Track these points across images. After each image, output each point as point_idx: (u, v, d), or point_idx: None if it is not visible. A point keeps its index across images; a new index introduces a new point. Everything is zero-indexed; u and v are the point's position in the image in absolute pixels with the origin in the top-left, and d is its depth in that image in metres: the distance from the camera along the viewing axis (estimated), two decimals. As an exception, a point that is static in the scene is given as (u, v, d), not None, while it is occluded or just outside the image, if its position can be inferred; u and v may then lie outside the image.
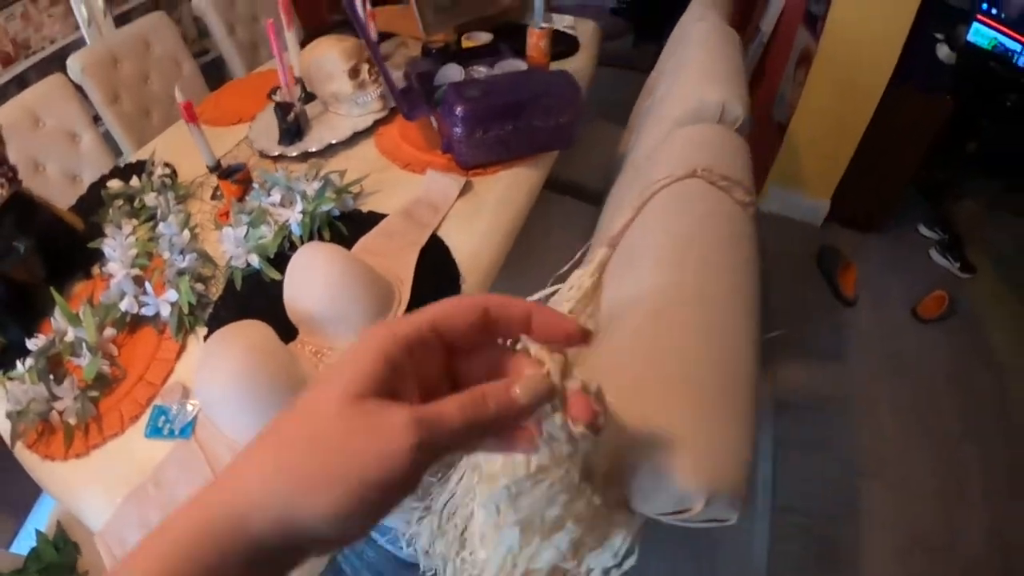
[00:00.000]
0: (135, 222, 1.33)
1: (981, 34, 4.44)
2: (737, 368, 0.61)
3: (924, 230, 3.59)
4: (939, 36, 2.94)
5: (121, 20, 2.71)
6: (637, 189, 0.93)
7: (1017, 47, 4.38)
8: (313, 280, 0.99)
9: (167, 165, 1.52)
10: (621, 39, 5.50)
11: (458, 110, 1.26)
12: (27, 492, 1.92)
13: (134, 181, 1.43)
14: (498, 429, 0.37)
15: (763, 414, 2.30)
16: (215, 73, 2.92)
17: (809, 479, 2.15)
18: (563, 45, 2.10)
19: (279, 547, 0.33)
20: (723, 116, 1.13)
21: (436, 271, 1.12)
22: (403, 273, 1.11)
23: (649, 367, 0.61)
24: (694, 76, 1.29)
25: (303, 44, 2.05)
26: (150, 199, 1.38)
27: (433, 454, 0.34)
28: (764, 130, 3.45)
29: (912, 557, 2.01)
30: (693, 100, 1.16)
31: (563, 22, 2.35)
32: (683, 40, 1.65)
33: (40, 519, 1.93)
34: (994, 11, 4.32)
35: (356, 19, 1.25)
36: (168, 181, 1.46)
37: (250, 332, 0.92)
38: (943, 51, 2.91)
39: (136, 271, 1.17)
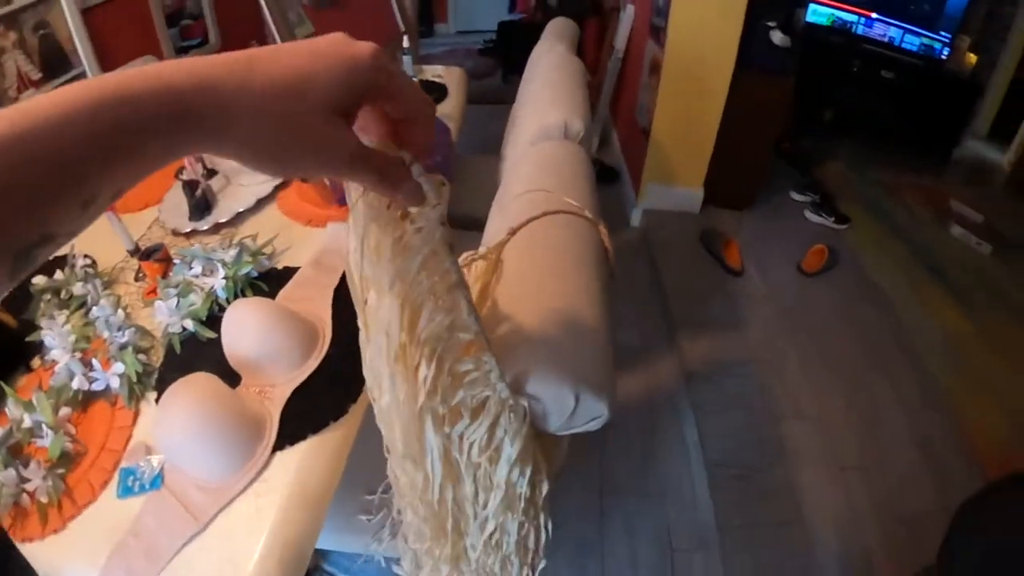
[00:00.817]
0: (67, 312, 1.42)
1: (819, 13, 4.87)
2: (589, 311, 0.82)
3: (796, 195, 3.90)
4: (771, 24, 3.21)
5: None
6: (499, 203, 1.14)
7: (854, 18, 4.83)
8: (246, 330, 1.13)
9: (86, 256, 1.60)
10: (491, 76, 5.76)
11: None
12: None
13: (58, 275, 1.51)
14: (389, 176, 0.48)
15: (678, 388, 2.52)
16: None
17: (735, 434, 2.33)
18: (434, 93, 2.30)
19: (188, 109, 0.36)
20: (566, 132, 1.35)
21: (350, 307, 1.27)
22: (323, 314, 1.27)
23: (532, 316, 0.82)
24: (541, 102, 1.51)
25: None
26: (78, 289, 1.47)
27: (356, 159, 0.44)
28: (633, 136, 3.72)
29: (846, 480, 2.19)
30: (540, 122, 1.38)
31: (432, 72, 2.54)
32: (534, 70, 1.86)
33: None
34: (828, -11, 4.72)
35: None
36: (91, 271, 1.54)
37: (200, 382, 1.04)
38: (777, 36, 3.18)
39: (78, 355, 1.25)
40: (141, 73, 0.35)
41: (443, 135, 1.56)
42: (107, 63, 3.19)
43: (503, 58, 5.68)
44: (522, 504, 0.81)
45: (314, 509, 1.00)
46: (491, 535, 0.83)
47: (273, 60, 0.39)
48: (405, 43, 2.39)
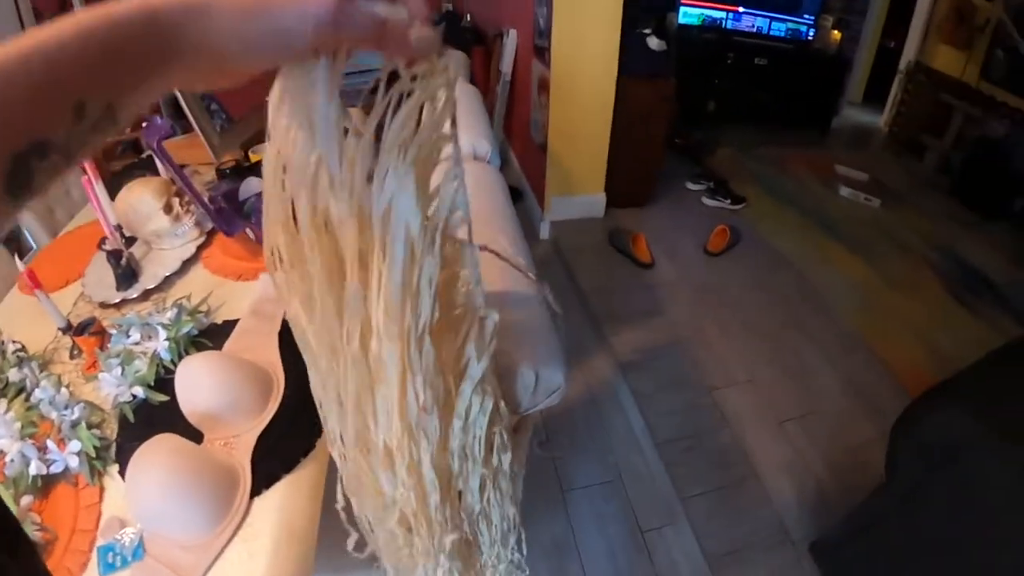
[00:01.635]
0: (5, 400, 1.38)
1: (689, 15, 5.11)
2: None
3: (692, 185, 4.12)
4: (646, 31, 3.39)
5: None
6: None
7: (722, 14, 5.10)
8: (202, 385, 1.16)
9: (15, 341, 1.56)
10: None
11: (272, 214, 1.50)
12: None
13: None
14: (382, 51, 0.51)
15: (616, 380, 2.63)
16: (12, 247, 2.92)
17: (677, 411, 2.47)
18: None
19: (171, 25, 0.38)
20: (475, 154, 1.46)
21: (296, 349, 1.32)
22: (272, 359, 1.31)
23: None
24: None
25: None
26: (13, 375, 1.44)
27: (333, 36, 0.46)
28: (530, 154, 3.86)
29: (788, 431, 2.36)
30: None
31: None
32: None
33: None
34: (695, -7, 4.96)
35: (164, 155, 1.45)
36: (23, 354, 1.51)
37: (164, 443, 1.05)
38: (653, 42, 3.36)
39: (28, 441, 1.21)
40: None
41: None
42: None
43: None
44: (481, 451, 0.85)
45: (304, 542, 1.04)
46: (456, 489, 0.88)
47: None
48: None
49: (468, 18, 5.28)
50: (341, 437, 0.83)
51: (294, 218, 0.60)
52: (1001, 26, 4.49)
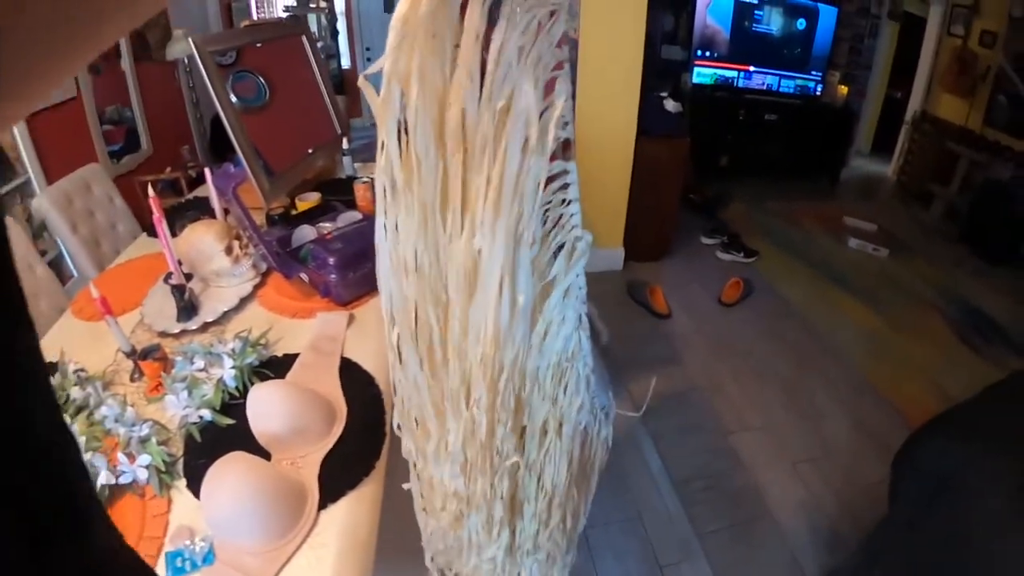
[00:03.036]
0: (67, 417, 1.45)
1: (702, 75, 5.32)
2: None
3: (706, 239, 4.26)
4: (663, 95, 3.58)
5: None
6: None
7: (733, 74, 5.29)
8: (273, 409, 1.28)
9: (75, 362, 1.62)
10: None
11: (331, 261, 1.65)
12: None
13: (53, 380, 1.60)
14: None
15: (635, 424, 2.71)
16: (56, 272, 3.04)
17: (694, 454, 2.56)
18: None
19: None
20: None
21: (356, 380, 1.47)
22: (334, 391, 1.44)
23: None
24: None
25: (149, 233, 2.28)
26: (75, 392, 1.50)
27: None
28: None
29: (802, 472, 2.44)
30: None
31: (371, 170, 2.75)
32: None
33: None
34: (708, 53, 5.16)
35: (239, 203, 1.60)
36: (84, 375, 1.58)
37: (239, 459, 1.14)
38: (670, 104, 3.54)
39: (91, 454, 1.29)
40: None
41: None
42: (49, 173, 3.28)
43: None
44: (551, 382, 0.90)
45: (365, 550, 1.16)
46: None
47: None
48: (345, 144, 2.59)
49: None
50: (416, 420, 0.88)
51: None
52: (1002, 72, 4.64)
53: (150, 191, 1.94)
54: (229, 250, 1.86)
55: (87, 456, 1.27)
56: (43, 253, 3.19)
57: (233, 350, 1.55)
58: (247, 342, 1.59)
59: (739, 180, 5.45)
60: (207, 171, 1.92)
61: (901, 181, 5.48)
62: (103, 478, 1.23)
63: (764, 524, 2.30)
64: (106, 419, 1.39)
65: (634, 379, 3.00)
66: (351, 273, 1.71)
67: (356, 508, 1.22)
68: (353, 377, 1.50)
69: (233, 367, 1.50)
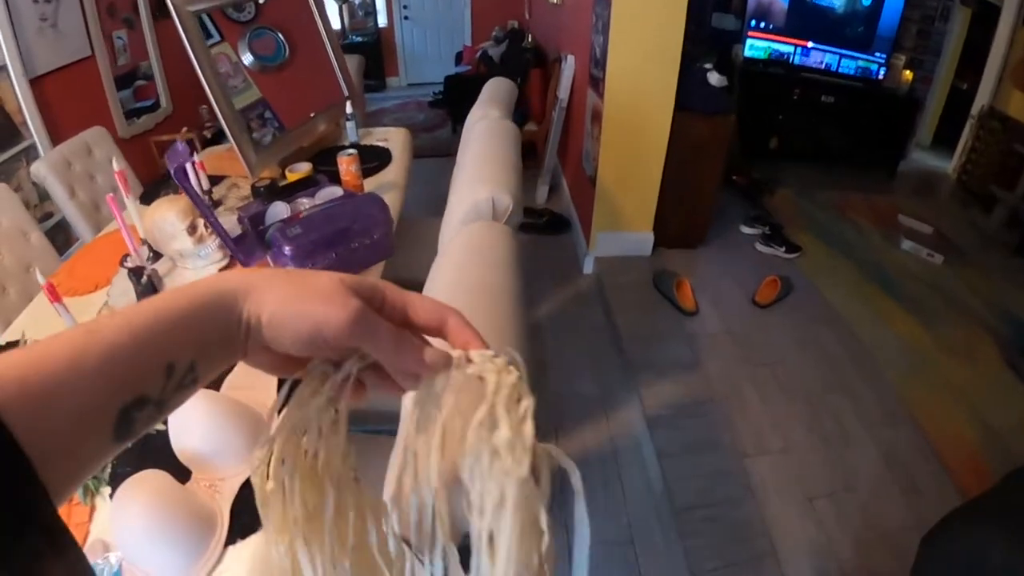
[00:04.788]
0: None
1: (756, 48, 5.01)
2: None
3: (746, 229, 3.97)
4: (707, 66, 3.30)
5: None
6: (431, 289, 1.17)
7: (790, 49, 4.98)
8: (193, 425, 1.15)
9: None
10: (441, 128, 5.86)
11: (286, 250, 1.48)
12: None
13: None
14: (398, 363, 0.51)
15: (641, 435, 2.52)
16: (60, 236, 2.99)
17: (701, 476, 2.33)
18: (376, 160, 2.34)
19: (228, 304, 0.46)
20: (495, 209, 1.39)
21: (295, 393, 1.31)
22: (268, 402, 1.28)
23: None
24: (468, 178, 1.54)
25: (143, 199, 2.18)
26: None
27: (358, 337, 0.48)
28: (581, 185, 3.80)
29: (817, 508, 2.21)
30: (469, 201, 1.41)
31: (377, 136, 2.59)
32: (467, 139, 1.90)
33: None
34: (763, 24, 4.87)
35: (187, 189, 1.45)
36: None
37: (150, 480, 1.04)
38: (714, 77, 3.27)
39: None
40: (205, 282, 0.46)
41: (380, 211, 1.59)
42: (55, 134, 3.23)
43: (451, 110, 5.79)
44: None
45: None
46: None
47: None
48: (348, 109, 2.43)
49: (530, 38, 5.28)
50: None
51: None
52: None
53: (114, 165, 1.84)
54: (193, 229, 1.71)
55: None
56: (49, 216, 3.21)
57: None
58: (191, 337, 1.44)
59: (788, 165, 5.12)
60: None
61: (962, 180, 5.11)
62: None
63: (767, 566, 2.07)
64: None
65: (648, 382, 2.78)
66: (310, 264, 1.54)
67: (267, 549, 1.06)
68: (293, 388, 1.33)
69: (170, 364, 1.35)
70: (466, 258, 1.19)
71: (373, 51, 7.35)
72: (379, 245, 1.62)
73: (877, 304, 3.31)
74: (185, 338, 0.44)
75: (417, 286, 1.19)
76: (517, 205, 1.42)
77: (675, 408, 2.65)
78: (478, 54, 6.05)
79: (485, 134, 1.78)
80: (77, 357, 0.38)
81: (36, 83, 3.22)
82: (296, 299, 0.48)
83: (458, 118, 5.55)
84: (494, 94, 2.29)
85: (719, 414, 2.61)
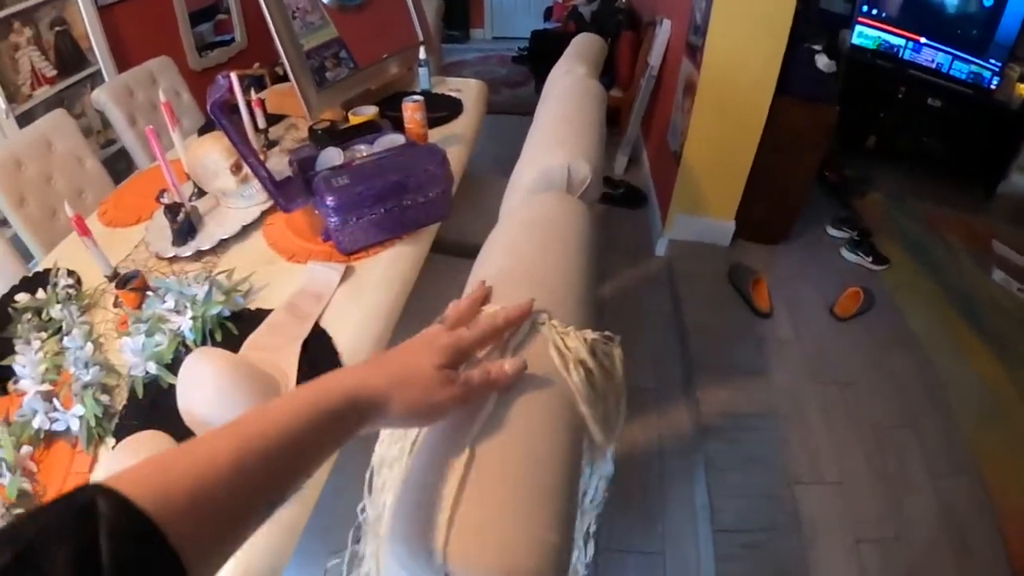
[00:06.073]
0: (43, 335, 1.35)
1: (865, 36, 4.69)
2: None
3: (832, 231, 3.69)
4: (817, 47, 3.05)
5: (24, 119, 2.72)
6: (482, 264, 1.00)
7: (901, 42, 4.64)
8: (202, 388, 1.03)
9: (71, 274, 1.53)
10: (524, 86, 5.65)
11: (328, 200, 1.33)
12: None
13: (40, 293, 1.45)
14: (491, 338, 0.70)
15: (692, 442, 2.36)
16: (123, 163, 2.94)
17: (748, 496, 2.16)
18: (446, 110, 2.18)
19: (360, 411, 0.56)
20: (570, 179, 1.20)
21: (318, 363, 1.17)
22: (288, 368, 1.15)
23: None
24: (543, 139, 1.34)
25: (204, 132, 2.08)
26: (56, 312, 1.40)
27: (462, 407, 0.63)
28: (663, 160, 3.57)
29: (863, 553, 2.04)
30: (540, 165, 1.22)
31: (451, 86, 2.43)
32: (548, 96, 1.70)
33: None
34: (875, 11, 4.55)
35: (223, 125, 1.31)
36: (72, 292, 1.47)
37: (148, 445, 0.96)
38: (822, 61, 3.01)
39: (46, 386, 1.19)
40: (334, 384, 0.56)
41: (439, 166, 1.42)
42: (123, 62, 3.19)
43: (535, 67, 5.54)
44: None
45: None
46: None
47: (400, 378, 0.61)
48: (422, 54, 2.28)
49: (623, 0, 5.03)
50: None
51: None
52: None
53: (161, 96, 1.73)
54: (237, 167, 1.61)
55: (39, 387, 1.19)
56: (112, 143, 3.19)
57: (196, 298, 1.29)
58: (218, 287, 1.32)
59: (883, 166, 4.77)
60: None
61: (1066, 216, 4.73)
62: (37, 421, 1.14)
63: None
64: (68, 350, 1.28)
65: (708, 383, 2.58)
66: (354, 219, 1.38)
67: (263, 537, 0.93)
68: (318, 355, 1.20)
69: (193, 317, 1.26)
70: (529, 235, 1.01)
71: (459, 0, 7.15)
72: (434, 205, 1.45)
73: (959, 335, 3.02)
74: (330, 448, 0.53)
75: (473, 250, 1.03)
76: (596, 177, 1.22)
77: (733, 418, 2.45)
78: (568, 11, 5.82)
79: (568, 92, 1.58)
80: (239, 468, 0.44)
81: (105, 11, 3.19)
82: (420, 402, 0.60)
83: (541, 76, 5.34)
84: (582, 50, 2.08)
85: (778, 431, 2.41)
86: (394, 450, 0.80)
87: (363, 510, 0.85)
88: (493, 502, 0.60)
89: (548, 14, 6.61)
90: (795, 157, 3.17)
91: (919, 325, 3.02)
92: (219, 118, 1.29)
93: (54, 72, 2.96)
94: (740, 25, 2.69)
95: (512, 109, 5.02)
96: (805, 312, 3.02)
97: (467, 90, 2.39)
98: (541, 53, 5.34)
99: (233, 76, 1.43)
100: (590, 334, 0.78)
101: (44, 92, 2.92)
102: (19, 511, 1.02)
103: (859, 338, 2.90)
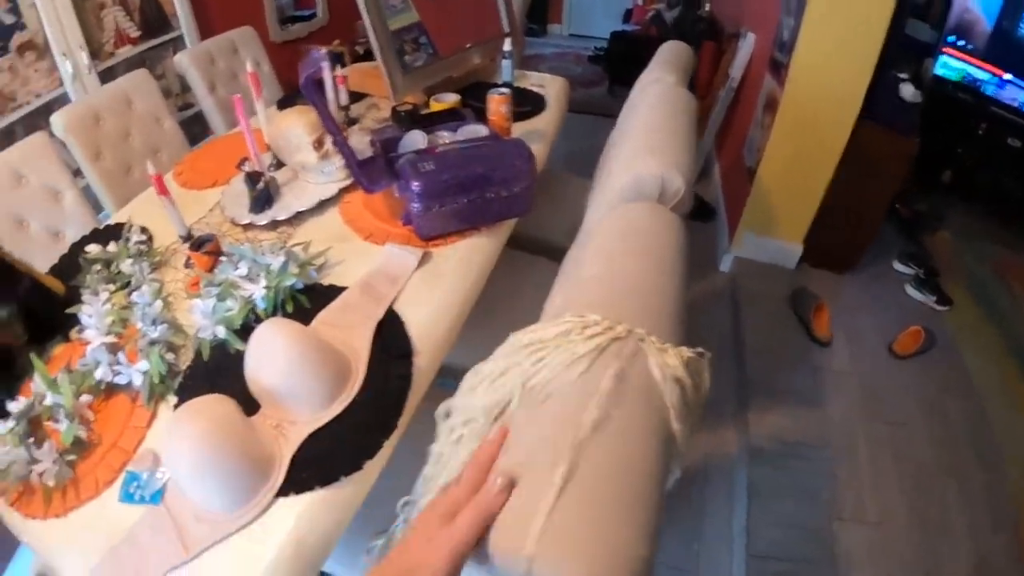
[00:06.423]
0: (112, 288, 1.37)
1: (949, 67, 4.55)
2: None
3: (899, 266, 3.59)
4: (903, 76, 2.97)
5: (106, 75, 2.76)
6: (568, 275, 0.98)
7: (986, 76, 4.49)
8: (273, 358, 1.02)
9: (143, 230, 1.55)
10: (598, 86, 5.60)
11: (414, 185, 1.31)
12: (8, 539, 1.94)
13: (111, 246, 1.47)
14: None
15: (737, 463, 2.32)
16: (198, 127, 2.97)
17: (786, 525, 2.13)
18: (529, 105, 2.16)
19: None
20: (663, 190, 1.17)
21: (390, 346, 1.15)
22: (359, 347, 1.14)
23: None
24: (636, 146, 1.32)
25: (281, 105, 2.09)
26: (126, 266, 1.41)
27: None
28: (736, 174, 3.50)
29: None
30: (632, 173, 1.20)
31: (534, 81, 2.40)
32: (637, 103, 1.67)
33: (22, 567, 1.94)
34: (961, 43, 4.42)
35: (315, 102, 1.31)
36: (144, 248, 1.49)
37: (214, 408, 0.95)
38: (908, 90, 2.93)
39: (111, 338, 1.20)
40: None
41: (525, 162, 1.40)
42: (205, 29, 3.27)
43: (611, 69, 5.48)
44: None
45: (307, 562, 0.91)
46: None
47: None
48: (507, 46, 2.26)
49: (707, 7, 4.95)
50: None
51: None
52: None
53: (248, 67, 1.75)
54: (319, 143, 1.61)
55: (104, 338, 1.20)
56: (188, 107, 3.25)
57: (271, 267, 1.28)
58: (293, 259, 1.32)
59: (956, 204, 4.62)
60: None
61: None
62: (100, 372, 1.15)
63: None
64: (135, 305, 1.29)
65: (761, 406, 2.54)
66: (436, 205, 1.36)
67: (318, 510, 0.96)
68: (389, 340, 1.19)
69: (266, 286, 1.26)
70: (623, 244, 0.98)
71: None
72: (517, 200, 1.43)
73: (1016, 388, 2.92)
74: None
75: (547, 248, 1.02)
76: (688, 190, 1.19)
77: (782, 444, 2.41)
78: (649, 15, 5.73)
79: (659, 100, 1.55)
80: None
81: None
82: None
83: (617, 78, 5.32)
84: (672, 57, 2.04)
85: (825, 464, 2.36)
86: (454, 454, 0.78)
87: (404, 504, 0.84)
88: (588, 515, 0.58)
89: (627, 16, 6.53)
90: (871, 185, 3.09)
91: (977, 372, 2.92)
92: (311, 93, 1.28)
93: (138, 33, 3.01)
94: (829, 46, 2.63)
95: (585, 108, 4.96)
96: (864, 346, 2.95)
97: (550, 86, 2.37)
98: (619, 55, 5.30)
99: (316, 51, 1.42)
100: (686, 351, 0.77)
101: (127, 51, 2.97)
102: (71, 458, 1.04)
103: (915, 378, 2.82)
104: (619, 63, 5.26)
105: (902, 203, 4.11)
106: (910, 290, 3.40)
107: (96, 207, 2.08)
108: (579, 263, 0.99)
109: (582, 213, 1.49)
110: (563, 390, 0.69)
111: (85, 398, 1.11)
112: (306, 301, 1.27)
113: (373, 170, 1.45)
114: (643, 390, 0.71)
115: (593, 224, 1.23)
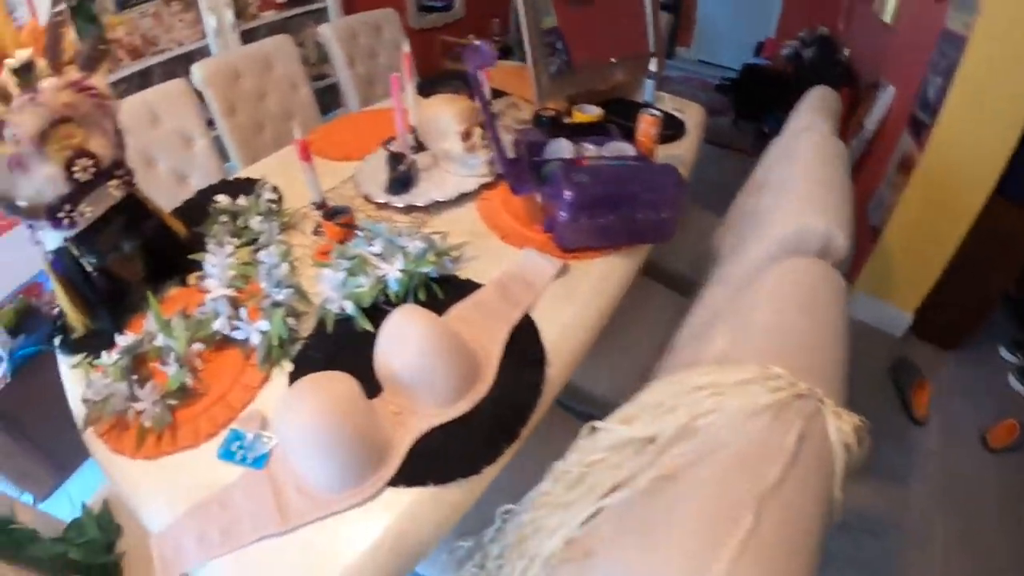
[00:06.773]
0: (236, 242, 1.38)
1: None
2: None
3: (1006, 353, 3.41)
4: (1040, 160, 2.82)
5: (247, 36, 2.83)
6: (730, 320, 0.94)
7: None
8: (406, 345, 1.01)
9: (275, 189, 1.57)
10: (722, 116, 5.47)
11: (567, 195, 1.29)
12: (71, 452, 1.99)
13: (241, 200, 1.48)
14: None
15: None
16: (331, 98, 3.03)
17: None
18: (670, 128, 2.11)
19: None
20: (827, 247, 1.13)
21: (523, 351, 1.13)
22: (491, 348, 1.12)
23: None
24: (799, 198, 1.27)
25: (418, 91, 2.11)
26: (255, 223, 1.43)
27: None
28: (857, 230, 3.36)
29: None
30: (796, 225, 1.17)
31: (674, 104, 2.36)
32: (790, 151, 1.61)
33: (82, 487, 1.98)
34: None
35: (480, 94, 1.29)
36: (274, 207, 1.50)
37: (336, 386, 0.93)
38: (1047, 167, 2.78)
39: (232, 292, 1.20)
40: None
41: (676, 189, 1.35)
42: (348, 5, 3.37)
43: (739, 102, 5.33)
44: None
45: (403, 563, 0.89)
46: None
47: None
48: (652, 65, 2.22)
49: (846, 52, 4.80)
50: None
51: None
52: None
53: (404, 48, 1.75)
54: (467, 135, 1.60)
55: (225, 290, 1.20)
56: (323, 77, 3.29)
57: (413, 250, 1.27)
58: (432, 247, 1.30)
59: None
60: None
61: None
62: (218, 324, 1.15)
63: None
64: (262, 265, 1.28)
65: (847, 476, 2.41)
66: (584, 218, 1.33)
67: (427, 507, 0.93)
68: (523, 345, 1.16)
69: (403, 269, 1.24)
70: (795, 300, 0.95)
71: (672, 14, 6.84)
72: (662, 225, 1.39)
73: None
74: None
75: (667, 276, 0.98)
76: (851, 251, 1.15)
77: (861, 517, 2.33)
78: (784, 51, 5.57)
79: (817, 151, 1.49)
80: None
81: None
82: None
83: (743, 112, 5.19)
84: (823, 105, 1.97)
85: (898, 546, 2.28)
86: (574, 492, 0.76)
87: (505, 512, 0.84)
88: (768, 570, 0.57)
89: (759, 49, 6.37)
90: (995, 264, 2.94)
91: (1066, 479, 2.77)
92: (478, 87, 1.27)
93: (284, -1, 3.08)
94: (977, 112, 2.50)
95: (708, 138, 4.88)
96: (957, 431, 2.81)
97: (689, 112, 2.33)
98: (749, 89, 5.15)
99: (485, 45, 1.40)
100: (856, 418, 0.75)
101: (270, 16, 3.06)
102: (172, 403, 1.03)
103: (1001, 474, 2.67)
104: (748, 97, 5.13)
105: (1020, 288, 3.92)
106: (1013, 380, 3.22)
107: (224, 158, 2.14)
108: (744, 310, 0.95)
109: (706, 246, 1.44)
110: (740, 440, 0.66)
111: (197, 346, 1.11)
112: (440, 291, 1.25)
113: (519, 172, 1.44)
114: (818, 454, 0.69)
115: (749, 270, 1.19)
